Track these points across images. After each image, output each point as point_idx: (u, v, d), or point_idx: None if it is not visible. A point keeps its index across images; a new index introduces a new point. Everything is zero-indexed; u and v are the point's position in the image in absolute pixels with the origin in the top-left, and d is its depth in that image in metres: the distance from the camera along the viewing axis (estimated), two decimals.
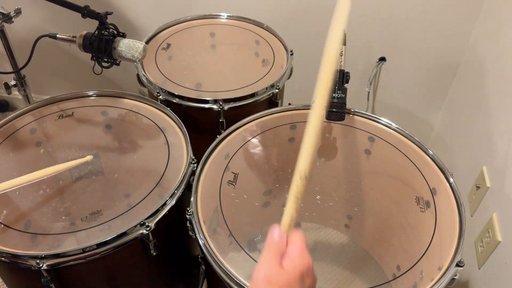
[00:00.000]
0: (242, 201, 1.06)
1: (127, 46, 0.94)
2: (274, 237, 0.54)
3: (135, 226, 0.80)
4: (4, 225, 0.82)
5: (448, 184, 0.89)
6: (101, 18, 0.94)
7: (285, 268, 0.51)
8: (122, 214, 0.85)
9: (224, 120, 1.08)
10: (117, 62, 0.98)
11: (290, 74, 1.19)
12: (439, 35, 1.33)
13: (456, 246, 0.78)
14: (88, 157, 0.94)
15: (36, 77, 1.65)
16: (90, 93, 1.10)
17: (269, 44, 1.28)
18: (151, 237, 0.82)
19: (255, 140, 1.04)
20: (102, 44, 0.94)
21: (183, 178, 0.89)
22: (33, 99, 1.23)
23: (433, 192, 0.92)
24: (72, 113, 1.07)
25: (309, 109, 1.06)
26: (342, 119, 0.97)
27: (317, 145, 0.57)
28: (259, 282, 0.49)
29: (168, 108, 1.05)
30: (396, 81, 1.48)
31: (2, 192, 0.81)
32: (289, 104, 1.07)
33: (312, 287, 0.53)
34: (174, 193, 0.86)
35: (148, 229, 0.81)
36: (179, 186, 0.87)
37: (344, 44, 0.99)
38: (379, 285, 1.07)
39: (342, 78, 0.97)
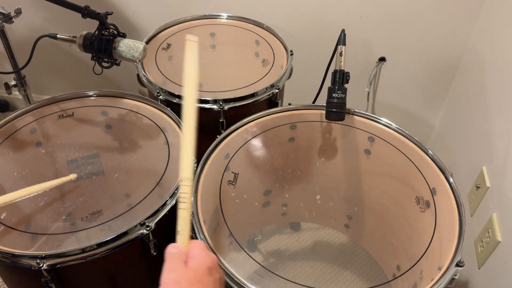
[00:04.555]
0: (242, 201, 1.06)
1: (127, 46, 0.95)
2: (171, 250, 0.54)
3: (135, 226, 0.80)
4: (4, 225, 0.82)
5: (448, 184, 0.89)
6: (101, 18, 0.94)
7: (190, 266, 0.52)
8: (122, 214, 0.85)
9: (224, 120, 1.08)
10: (117, 62, 0.98)
11: (290, 74, 1.19)
12: (439, 35, 1.33)
13: (456, 246, 0.78)
14: (72, 176, 0.93)
15: (36, 77, 1.65)
16: (90, 93, 1.10)
17: (269, 44, 1.28)
18: (151, 237, 0.82)
19: (255, 140, 1.04)
20: (102, 44, 0.94)
21: None
22: (33, 99, 1.23)
23: (433, 192, 0.92)
24: (73, 113, 1.07)
25: (309, 109, 1.06)
26: (342, 119, 0.98)
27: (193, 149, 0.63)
28: (169, 286, 0.50)
29: (168, 108, 1.05)
30: (396, 81, 1.48)
31: None
32: (289, 104, 1.07)
33: (221, 282, 0.55)
34: (174, 193, 0.86)
35: (148, 229, 0.81)
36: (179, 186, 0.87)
37: (344, 44, 0.99)
38: (379, 285, 1.07)
39: (342, 78, 0.97)
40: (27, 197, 0.85)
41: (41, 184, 0.87)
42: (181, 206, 0.58)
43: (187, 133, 0.63)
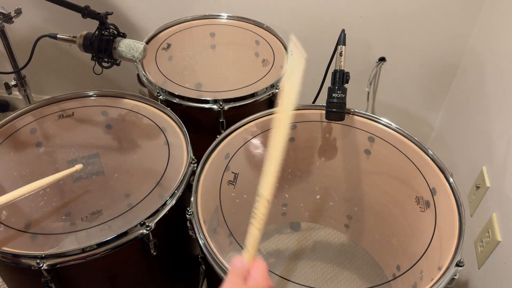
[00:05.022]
0: (242, 201, 1.06)
1: (127, 46, 0.95)
2: (236, 263, 0.56)
3: (135, 226, 0.80)
4: (4, 225, 0.82)
5: (448, 184, 0.89)
6: (102, 18, 0.94)
7: (249, 285, 0.53)
8: (122, 214, 0.85)
9: (224, 120, 1.08)
10: (117, 62, 0.98)
11: None
12: (439, 35, 1.33)
13: (456, 246, 0.78)
14: (78, 166, 0.92)
15: (36, 77, 1.65)
16: (91, 93, 1.10)
17: (269, 44, 1.28)
18: (151, 237, 0.82)
19: (255, 140, 1.04)
20: (102, 44, 0.94)
21: (183, 178, 0.89)
22: (34, 99, 1.23)
23: (433, 192, 0.92)
24: (73, 113, 1.07)
25: (309, 109, 1.06)
26: (342, 119, 0.98)
27: (277, 168, 0.58)
28: None
29: (168, 108, 1.05)
30: (396, 81, 1.48)
31: None
32: None
33: None
34: (174, 193, 0.86)
35: (148, 229, 0.81)
36: (179, 186, 0.87)
37: (344, 44, 0.99)
38: (379, 285, 1.07)
39: (342, 78, 0.97)
40: (31, 193, 0.84)
41: (48, 178, 0.85)
42: (253, 221, 0.57)
43: (275, 149, 0.59)
